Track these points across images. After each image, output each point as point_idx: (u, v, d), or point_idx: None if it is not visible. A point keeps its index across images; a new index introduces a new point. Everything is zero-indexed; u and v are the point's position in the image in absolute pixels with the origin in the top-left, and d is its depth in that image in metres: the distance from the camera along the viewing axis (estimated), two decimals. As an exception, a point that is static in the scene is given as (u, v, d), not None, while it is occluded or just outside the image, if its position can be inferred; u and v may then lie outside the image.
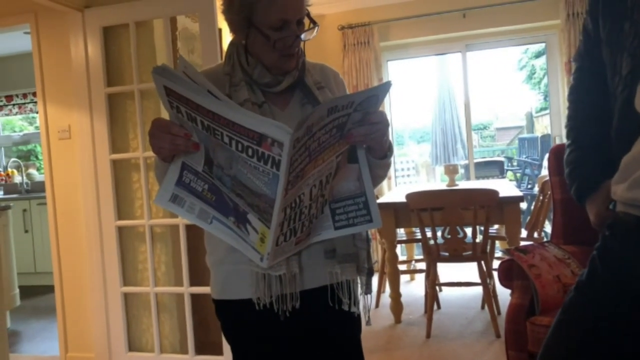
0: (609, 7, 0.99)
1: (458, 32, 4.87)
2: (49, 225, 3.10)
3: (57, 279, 3.09)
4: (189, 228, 2.76)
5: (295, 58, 1.22)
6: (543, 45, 5.23)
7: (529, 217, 3.96)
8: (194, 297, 2.81)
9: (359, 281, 1.27)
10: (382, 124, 1.11)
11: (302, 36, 1.20)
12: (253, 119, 0.97)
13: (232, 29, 1.24)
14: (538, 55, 12.37)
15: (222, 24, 3.13)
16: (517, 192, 3.53)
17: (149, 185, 2.83)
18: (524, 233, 3.67)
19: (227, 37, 3.53)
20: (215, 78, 1.20)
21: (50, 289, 3.46)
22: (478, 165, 7.10)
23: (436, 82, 7.23)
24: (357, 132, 1.08)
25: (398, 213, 3.52)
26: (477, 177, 5.83)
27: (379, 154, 1.19)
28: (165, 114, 1.13)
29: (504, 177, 7.78)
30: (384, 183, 4.91)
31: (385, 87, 1.07)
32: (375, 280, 3.91)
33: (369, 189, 1.18)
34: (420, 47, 5.19)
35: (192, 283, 2.78)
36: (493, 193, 3.13)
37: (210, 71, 1.30)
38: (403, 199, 3.33)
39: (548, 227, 4.21)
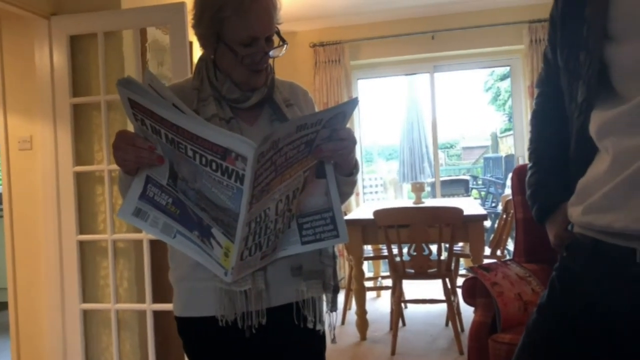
0: (567, 37, 1.03)
1: (427, 54, 4.99)
2: (4, 239, 2.99)
3: (11, 295, 2.97)
4: (153, 243, 2.70)
5: (264, 74, 1.23)
6: (508, 68, 5.39)
7: (492, 235, 4.03)
8: (157, 315, 2.74)
9: (324, 298, 1.26)
10: (350, 140, 1.12)
11: (271, 53, 1.21)
12: (217, 132, 0.97)
13: (202, 43, 1.25)
14: (503, 77, 12.75)
15: (193, 37, 3.12)
16: (481, 211, 3.60)
17: (113, 199, 2.77)
18: (487, 251, 3.74)
19: (197, 51, 3.51)
20: (182, 92, 1.20)
21: (3, 305, 3.33)
22: (444, 183, 7.23)
23: (405, 101, 7.35)
24: (326, 148, 1.09)
25: (365, 230, 3.54)
26: (443, 195, 5.92)
27: (346, 170, 1.20)
28: (132, 127, 1.11)
29: (469, 196, 7.94)
30: (352, 199, 4.94)
31: (352, 104, 1.08)
32: (341, 297, 3.91)
33: (336, 204, 1.19)
34: (389, 66, 5.29)
35: (155, 300, 2.72)
36: (458, 211, 3.19)
37: (177, 85, 1.29)
38: (371, 216, 3.35)
39: (511, 245, 4.30)
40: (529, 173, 1.20)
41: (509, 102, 12.08)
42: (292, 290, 1.22)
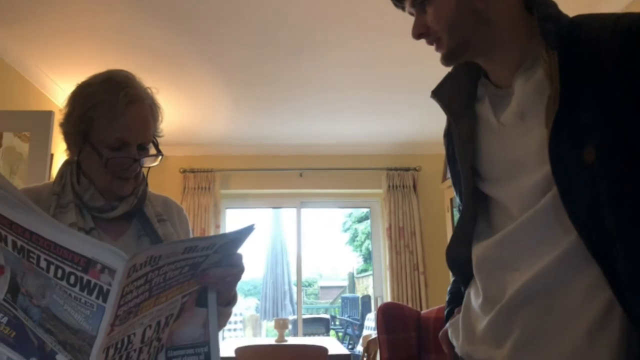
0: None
1: (294, 189, 5.17)
2: None
3: None
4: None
5: (131, 183, 1.14)
6: (367, 210, 5.77)
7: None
8: None
9: None
10: (240, 267, 1.04)
11: (142, 161, 1.13)
12: (81, 240, 0.84)
13: (67, 142, 1.15)
14: (360, 220, 13.62)
15: (55, 149, 2.91)
16: (344, 351, 3.54)
17: None
18: (350, 393, 3.62)
19: (58, 163, 3.26)
20: (37, 197, 1.07)
21: None
22: (305, 321, 7.13)
23: (270, 234, 7.42)
24: (214, 273, 1.00)
25: (225, 369, 3.25)
26: (305, 334, 5.80)
27: (225, 300, 1.11)
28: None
29: (328, 335, 7.87)
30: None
31: (248, 231, 1.02)
32: None
33: (214, 338, 1.06)
34: (258, 198, 5.36)
35: None
36: (323, 350, 3.10)
37: (32, 189, 1.14)
38: (231, 354, 3.11)
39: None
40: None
41: (366, 244, 12.80)
42: None
